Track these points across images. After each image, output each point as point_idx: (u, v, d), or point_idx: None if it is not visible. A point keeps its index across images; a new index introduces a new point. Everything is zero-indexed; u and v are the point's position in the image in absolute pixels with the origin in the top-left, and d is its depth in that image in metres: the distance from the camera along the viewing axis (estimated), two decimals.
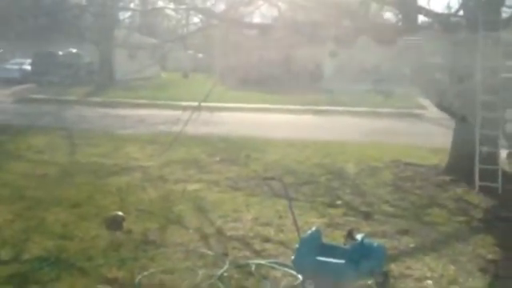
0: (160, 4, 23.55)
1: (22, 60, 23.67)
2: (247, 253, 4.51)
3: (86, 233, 4.88)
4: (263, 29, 10.36)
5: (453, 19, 8.14)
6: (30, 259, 4.30)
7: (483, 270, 4.16)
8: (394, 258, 4.32)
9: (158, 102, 16.98)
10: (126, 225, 5.04)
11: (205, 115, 11.83)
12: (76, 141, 9.92)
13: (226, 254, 4.44)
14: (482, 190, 6.41)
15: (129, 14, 28.14)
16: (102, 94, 19.22)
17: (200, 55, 31.80)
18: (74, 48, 23.86)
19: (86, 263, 4.24)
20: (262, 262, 4.28)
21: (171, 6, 14.08)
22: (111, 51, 23.12)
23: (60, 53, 23.19)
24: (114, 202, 5.83)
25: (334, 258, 3.84)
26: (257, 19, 12.21)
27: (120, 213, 5.25)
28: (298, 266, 3.94)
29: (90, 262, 4.26)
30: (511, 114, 7.76)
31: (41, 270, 4.08)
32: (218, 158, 8.47)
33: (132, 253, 4.45)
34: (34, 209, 5.54)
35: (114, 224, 5.05)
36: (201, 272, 4.06)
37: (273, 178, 5.87)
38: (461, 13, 7.93)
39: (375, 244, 4.19)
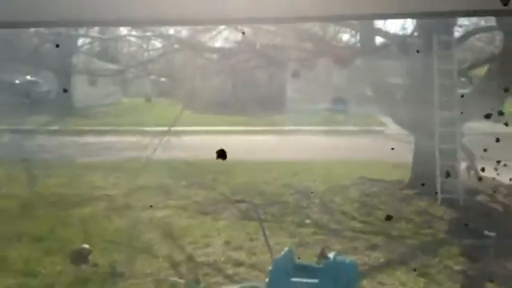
0: (121, 30, 23.37)
1: None
2: (220, 278, 4.45)
3: (50, 268, 4.69)
4: (226, 52, 10.47)
5: (408, 40, 8.49)
6: None
7: (452, 281, 4.26)
8: (365, 274, 4.36)
9: (121, 129, 16.71)
10: (92, 258, 4.89)
11: (170, 140, 11.79)
12: (36, 171, 9.59)
13: (197, 281, 4.37)
14: (445, 202, 6.62)
15: (88, 39, 27.76)
16: (61, 122, 18.75)
17: (163, 79, 31.64)
18: (30, 76, 23.26)
19: None
20: (236, 287, 4.23)
21: (134, 33, 14.01)
22: (70, 78, 22.66)
23: (17, 81, 22.54)
24: (78, 234, 5.64)
25: (308, 277, 3.84)
26: (219, 43, 12.31)
27: (85, 245, 5.10)
28: None
29: None
30: (468, 129, 8.10)
31: None
32: (184, 183, 8.38)
33: (100, 287, 4.30)
34: None
35: (80, 258, 4.89)
36: None
37: (243, 201, 5.88)
38: (416, 34, 8.29)
39: (347, 261, 4.23)
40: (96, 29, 24.78)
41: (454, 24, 7.93)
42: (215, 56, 12.20)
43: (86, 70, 23.44)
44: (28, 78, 23.10)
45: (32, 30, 22.52)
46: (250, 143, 13.47)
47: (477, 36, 9.88)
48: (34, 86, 23.15)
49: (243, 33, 9.61)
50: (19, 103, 20.74)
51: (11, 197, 7.53)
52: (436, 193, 6.72)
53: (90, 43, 28.76)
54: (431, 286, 4.19)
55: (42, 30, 21.98)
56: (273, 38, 9.98)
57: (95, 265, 4.76)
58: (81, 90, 23.07)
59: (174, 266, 4.76)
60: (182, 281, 4.38)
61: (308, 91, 21.32)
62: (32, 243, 5.37)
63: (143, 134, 13.87)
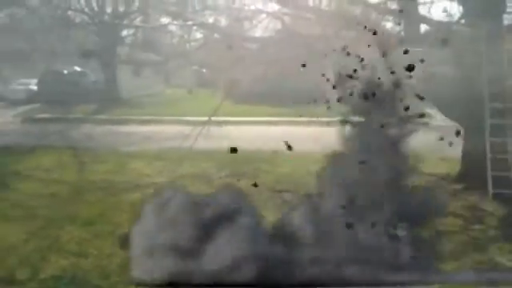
0: (163, 21, 23.74)
1: (28, 80, 23.82)
2: None
3: (100, 251, 4.87)
4: (267, 42, 10.42)
5: (455, 27, 8.18)
6: (47, 278, 4.30)
7: (505, 279, 4.11)
8: None
9: (165, 118, 17.02)
10: None
11: (212, 129, 11.90)
12: (84, 159, 9.92)
13: None
14: (496, 197, 6.38)
15: (132, 31, 28.37)
16: (108, 111, 19.29)
17: (204, 70, 31.90)
18: (78, 66, 24.02)
19: (103, 281, 4.23)
20: None
21: (176, 22, 14.20)
22: (115, 69, 23.23)
23: (65, 72, 23.33)
24: (128, 219, 5.81)
25: None
26: (259, 32, 12.27)
27: None
28: None
29: (106, 280, 4.26)
30: None
31: None
32: (226, 172, 8.46)
33: None
34: (48, 228, 5.54)
35: (129, 241, 5.03)
36: None
37: (287, 191, 5.88)
38: (463, 21, 7.97)
39: None
40: (139, 19, 25.30)
41: (504, 11, 7.58)
42: (255, 46, 12.15)
43: (130, 60, 23.99)
44: (76, 68, 23.86)
45: (77, 20, 23.17)
46: (292, 134, 13.39)
47: None
48: (82, 76, 23.89)
49: (283, 22, 9.53)
50: (68, 93, 21.50)
51: (62, 182, 7.84)
52: (487, 187, 6.49)
53: (133, 34, 29.43)
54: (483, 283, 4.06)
55: (86, 19, 22.62)
56: (313, 26, 9.83)
57: None
58: (125, 80, 23.65)
59: None
60: None
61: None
62: (83, 226, 5.59)
63: (184, 123, 14.08)
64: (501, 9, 7.38)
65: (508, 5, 8.00)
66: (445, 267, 4.40)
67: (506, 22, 7.76)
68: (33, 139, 12.43)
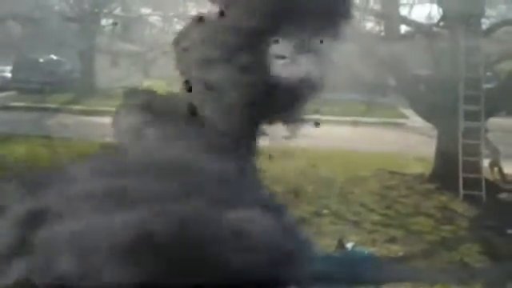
0: (143, 11, 23.35)
1: (2, 67, 23.22)
2: None
3: None
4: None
5: (435, 29, 8.29)
6: None
7: (472, 279, 4.21)
8: (384, 267, 4.34)
9: None
10: None
11: None
12: (58, 149, 9.73)
13: None
14: (467, 198, 6.52)
15: (111, 20, 27.90)
16: (83, 101, 18.95)
17: None
18: (54, 55, 23.52)
19: None
20: None
21: (158, 13, 14.02)
22: (93, 58, 22.82)
23: (41, 60, 22.79)
24: None
25: (326, 266, 3.84)
26: None
27: None
28: None
29: None
30: (493, 124, 7.93)
31: None
32: None
33: None
34: None
35: None
36: None
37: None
38: (442, 23, 8.08)
39: (365, 252, 4.23)
40: (119, 8, 24.80)
41: (482, 15, 7.73)
42: None
43: (108, 50, 23.57)
44: (52, 56, 23.34)
45: (56, 8, 22.67)
46: (270, 130, 13.37)
47: (504, 29, 9.58)
48: (58, 64, 23.39)
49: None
50: (43, 81, 21.03)
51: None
52: (458, 188, 6.62)
53: (113, 24, 28.91)
54: (451, 283, 4.15)
55: (65, 8, 22.14)
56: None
57: None
58: (102, 70, 23.26)
59: None
60: None
61: (329, 80, 21.04)
62: None
63: None
64: (480, 12, 7.52)
65: (486, 9, 8.17)
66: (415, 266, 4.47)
67: (483, 27, 7.92)
68: (6, 127, 12.11)
